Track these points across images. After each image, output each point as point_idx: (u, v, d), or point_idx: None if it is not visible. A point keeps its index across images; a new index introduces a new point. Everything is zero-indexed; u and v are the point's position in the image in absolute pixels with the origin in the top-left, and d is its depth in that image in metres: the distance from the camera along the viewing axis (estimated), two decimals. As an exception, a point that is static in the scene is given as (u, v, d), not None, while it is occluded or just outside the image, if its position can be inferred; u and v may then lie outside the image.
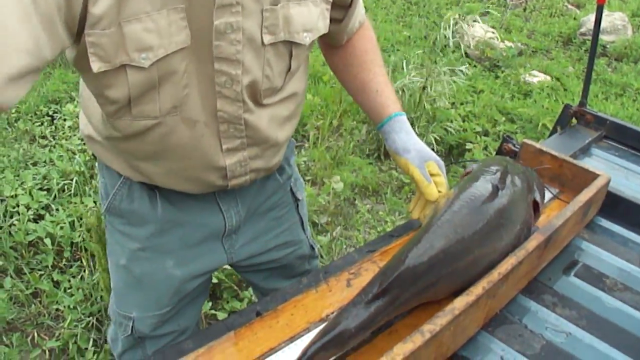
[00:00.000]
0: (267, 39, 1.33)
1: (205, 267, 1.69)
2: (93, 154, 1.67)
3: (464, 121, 5.07)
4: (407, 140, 1.61)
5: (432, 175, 1.57)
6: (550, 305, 1.50)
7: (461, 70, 5.37)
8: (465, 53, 6.71)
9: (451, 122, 4.90)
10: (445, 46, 6.71)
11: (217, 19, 1.24)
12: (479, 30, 6.93)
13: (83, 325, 2.84)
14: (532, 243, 1.43)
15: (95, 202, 3.56)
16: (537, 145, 1.93)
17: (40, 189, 3.65)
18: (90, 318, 2.88)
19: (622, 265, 1.70)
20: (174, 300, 1.68)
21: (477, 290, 1.25)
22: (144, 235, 1.59)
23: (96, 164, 1.68)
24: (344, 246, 3.61)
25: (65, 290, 3.04)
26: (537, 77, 6.30)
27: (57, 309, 2.97)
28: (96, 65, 1.17)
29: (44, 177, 3.74)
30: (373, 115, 1.69)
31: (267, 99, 1.43)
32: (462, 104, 5.39)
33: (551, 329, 1.42)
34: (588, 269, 1.66)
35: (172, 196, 1.55)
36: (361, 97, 1.71)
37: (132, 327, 1.68)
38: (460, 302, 1.21)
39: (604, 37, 7.84)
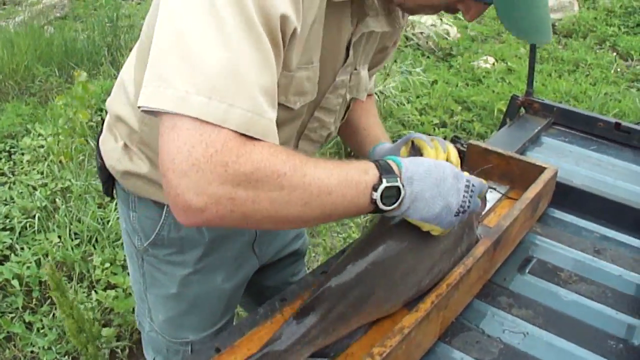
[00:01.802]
0: (348, 96, 1.55)
1: (245, 276, 1.76)
2: (112, 193, 1.69)
3: (421, 115, 5.10)
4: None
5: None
6: (506, 307, 1.51)
7: (415, 70, 5.40)
8: (417, 45, 6.74)
9: (408, 117, 4.92)
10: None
11: (339, 76, 1.44)
12: (429, 20, 6.97)
13: (59, 365, 2.82)
14: (479, 249, 1.44)
15: (60, 236, 3.53)
16: (483, 145, 1.95)
17: (3, 229, 3.60)
18: (66, 357, 2.86)
19: (577, 256, 1.72)
20: (227, 313, 1.77)
21: (425, 305, 1.26)
22: (194, 258, 1.62)
23: (119, 203, 1.69)
24: (312, 254, 3.61)
25: (38, 331, 3.01)
26: (489, 63, 6.35)
27: (32, 352, 2.94)
28: None
29: (5, 216, 3.69)
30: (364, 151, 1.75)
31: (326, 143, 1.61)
32: (417, 97, 5.41)
33: (508, 331, 1.44)
34: (542, 264, 1.68)
35: None
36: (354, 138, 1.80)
37: (190, 350, 1.73)
38: (408, 320, 1.21)
39: (552, 16, 7.90)
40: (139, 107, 1.04)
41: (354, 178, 1.14)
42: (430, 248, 1.37)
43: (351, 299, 1.26)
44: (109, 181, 1.64)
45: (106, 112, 1.63)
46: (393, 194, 1.18)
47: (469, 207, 1.27)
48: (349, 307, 1.26)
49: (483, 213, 1.65)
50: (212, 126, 0.98)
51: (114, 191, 1.67)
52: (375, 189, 1.16)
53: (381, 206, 1.17)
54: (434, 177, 1.22)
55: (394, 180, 1.17)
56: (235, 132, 1.00)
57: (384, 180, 1.16)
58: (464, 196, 1.25)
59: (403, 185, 1.19)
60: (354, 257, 1.32)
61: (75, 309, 2.52)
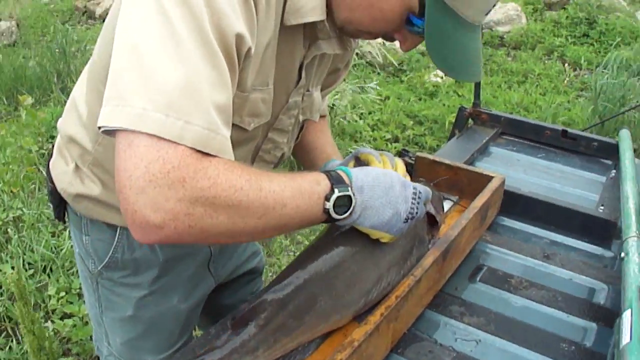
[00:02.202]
0: (300, 117, 1.57)
1: (201, 295, 1.75)
2: (64, 217, 1.66)
3: (373, 130, 5.12)
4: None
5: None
6: (458, 316, 1.52)
7: (370, 87, 5.43)
8: (368, 62, 6.78)
9: (360, 133, 4.94)
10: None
11: (292, 97, 1.46)
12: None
13: (17, 399, 2.77)
14: (428, 260, 1.45)
15: (13, 267, 3.47)
16: (431, 157, 1.96)
17: (-47, 262, 3.54)
18: (22, 389, 2.81)
19: (526, 262, 1.74)
20: (185, 334, 1.76)
21: (374, 317, 1.26)
22: (149, 280, 1.61)
23: (71, 227, 1.67)
24: (269, 274, 3.60)
25: (-6, 365, 2.96)
26: (440, 77, 6.41)
27: (-12, 385, 2.89)
28: None
29: (-45, 250, 3.63)
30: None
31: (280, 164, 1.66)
32: (370, 113, 5.44)
33: (460, 339, 1.44)
34: (493, 272, 1.69)
35: None
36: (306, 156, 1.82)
37: None
38: (358, 333, 1.21)
39: (500, 28, 8.05)
40: (99, 128, 1.03)
41: (307, 189, 1.17)
42: (376, 258, 1.38)
43: (291, 308, 1.24)
44: (60, 205, 1.62)
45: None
46: (345, 203, 1.21)
47: (417, 213, 1.31)
48: (290, 317, 1.24)
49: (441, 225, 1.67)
50: (169, 143, 0.98)
51: (66, 215, 1.66)
52: (327, 198, 1.18)
53: (334, 215, 1.20)
54: (383, 186, 1.27)
55: (345, 189, 1.20)
56: (192, 148, 1.00)
57: (336, 190, 1.19)
58: (412, 203, 1.30)
59: (354, 194, 1.22)
60: (294, 267, 1.31)
61: (37, 323, 2.48)
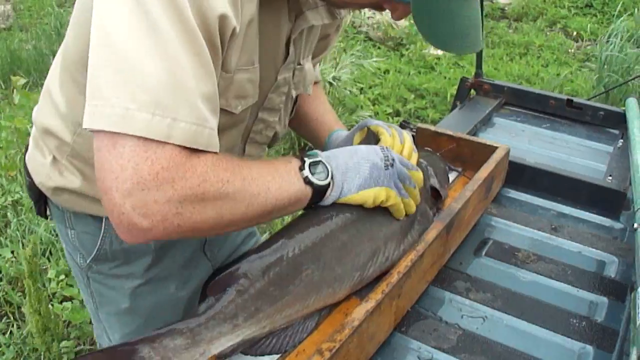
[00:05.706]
0: (293, 92, 1.52)
1: (200, 281, 1.67)
2: (45, 212, 1.60)
3: (374, 104, 5.07)
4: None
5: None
6: (463, 292, 1.46)
7: (367, 61, 5.37)
8: (367, 35, 6.72)
9: (361, 107, 4.88)
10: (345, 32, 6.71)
11: (281, 74, 1.40)
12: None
13: (19, 383, 2.73)
14: (431, 233, 1.39)
15: (12, 251, 3.43)
16: (432, 128, 1.91)
17: (-47, 248, 3.49)
18: (25, 373, 2.77)
19: (534, 235, 1.69)
20: None
21: (375, 295, 1.20)
22: (143, 268, 1.55)
23: (55, 222, 1.60)
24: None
25: (-4, 350, 2.92)
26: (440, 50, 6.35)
27: (-10, 371, 2.85)
28: None
29: (-47, 234, 3.59)
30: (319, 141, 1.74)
31: (275, 144, 1.62)
32: (370, 87, 5.39)
33: (467, 317, 1.39)
34: (499, 245, 1.64)
35: None
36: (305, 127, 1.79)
37: None
38: (359, 312, 1.15)
39: (501, 0, 7.97)
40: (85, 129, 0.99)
41: (282, 168, 1.19)
42: (370, 230, 1.33)
43: (272, 276, 1.19)
44: (40, 200, 1.56)
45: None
46: (321, 170, 1.23)
47: (393, 159, 1.32)
48: (271, 285, 1.18)
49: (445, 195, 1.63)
50: (156, 143, 0.96)
51: (47, 210, 1.59)
52: (301, 169, 1.20)
53: (316, 181, 1.21)
54: (347, 150, 1.31)
55: (315, 156, 1.24)
56: (180, 146, 0.98)
57: (306, 159, 1.22)
58: (382, 151, 1.32)
59: (325, 162, 1.25)
60: (276, 236, 1.27)
61: (44, 302, 2.44)
